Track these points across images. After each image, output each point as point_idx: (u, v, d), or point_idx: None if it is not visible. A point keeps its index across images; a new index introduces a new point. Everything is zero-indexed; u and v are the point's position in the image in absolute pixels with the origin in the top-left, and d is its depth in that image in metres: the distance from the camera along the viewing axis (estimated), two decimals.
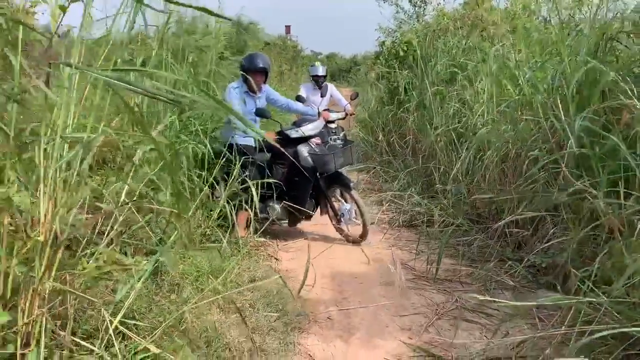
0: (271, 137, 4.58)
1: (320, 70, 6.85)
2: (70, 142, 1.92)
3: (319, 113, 5.06)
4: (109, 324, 2.27)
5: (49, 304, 1.87)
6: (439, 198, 5.38)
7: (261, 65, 4.74)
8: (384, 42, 8.75)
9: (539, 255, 3.57)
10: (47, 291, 1.83)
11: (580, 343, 2.35)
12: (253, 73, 4.67)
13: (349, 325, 3.29)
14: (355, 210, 4.68)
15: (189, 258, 3.59)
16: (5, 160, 1.79)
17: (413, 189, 5.75)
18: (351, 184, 4.70)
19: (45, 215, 1.73)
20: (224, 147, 4.38)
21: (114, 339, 2.25)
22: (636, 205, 2.73)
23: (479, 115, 4.80)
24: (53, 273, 1.85)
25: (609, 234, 2.91)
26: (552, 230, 3.59)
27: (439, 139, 5.82)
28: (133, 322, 2.49)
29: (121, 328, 2.38)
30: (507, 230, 4.19)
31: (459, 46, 6.42)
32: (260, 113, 4.56)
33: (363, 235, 4.73)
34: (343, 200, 4.80)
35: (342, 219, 4.77)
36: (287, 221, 4.88)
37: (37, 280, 1.76)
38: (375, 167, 7.29)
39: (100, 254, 2.00)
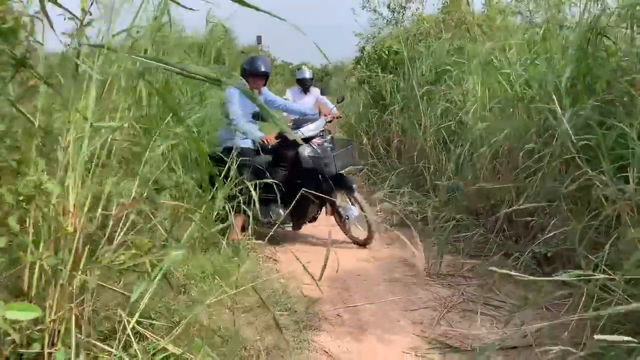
0: (271, 139, 4.45)
1: (307, 74, 6.87)
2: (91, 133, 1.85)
3: (319, 112, 4.83)
4: (126, 324, 2.20)
5: (76, 300, 1.79)
6: (431, 197, 5.41)
7: (263, 69, 4.65)
8: (364, 47, 8.80)
9: (542, 246, 3.59)
10: (75, 286, 1.75)
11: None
12: (254, 76, 4.58)
13: (360, 321, 3.25)
14: (360, 213, 4.55)
15: (191, 260, 3.51)
16: (29, 149, 1.72)
17: (406, 188, 5.75)
18: (354, 186, 4.55)
19: (74, 206, 1.66)
20: (221, 150, 4.31)
21: (132, 339, 2.18)
22: None
23: (472, 112, 4.84)
24: (81, 266, 1.77)
25: (617, 220, 2.95)
26: (553, 221, 3.62)
27: (428, 139, 5.86)
28: (150, 321, 2.41)
29: (138, 328, 2.31)
30: (504, 225, 4.22)
31: (442, 48, 6.49)
32: (257, 116, 4.41)
33: (369, 239, 4.61)
34: (349, 203, 4.62)
35: (347, 221, 4.65)
36: (291, 225, 4.73)
37: (66, 274, 1.68)
38: (363, 169, 7.30)
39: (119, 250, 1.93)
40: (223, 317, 2.97)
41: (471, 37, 6.27)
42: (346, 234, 4.79)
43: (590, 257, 2.84)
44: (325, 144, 4.69)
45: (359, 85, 9.24)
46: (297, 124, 4.60)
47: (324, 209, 4.76)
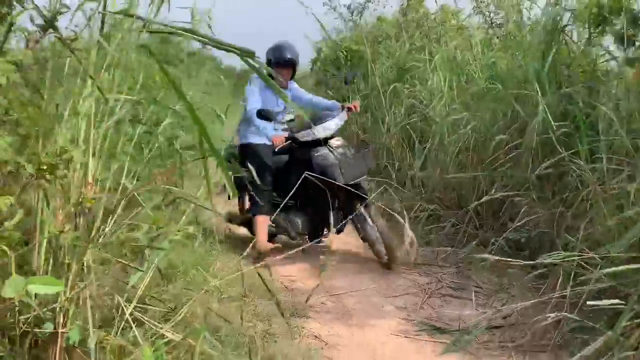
0: (280, 140, 3.91)
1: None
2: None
3: (342, 106, 4.10)
4: (124, 309, 2.14)
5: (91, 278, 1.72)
6: (398, 192, 5.51)
7: (289, 57, 4.04)
8: (320, 48, 8.88)
9: (513, 233, 3.73)
10: (88, 264, 1.69)
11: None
12: (279, 66, 4.02)
13: (345, 308, 3.28)
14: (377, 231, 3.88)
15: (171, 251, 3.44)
16: (34, 123, 1.65)
17: (372, 184, 5.82)
18: (368, 199, 3.91)
19: (93, 178, 1.61)
20: (238, 147, 4.13)
21: (132, 324, 2.13)
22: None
23: (439, 108, 4.98)
24: (92, 243, 1.71)
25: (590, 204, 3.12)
26: (522, 209, 3.77)
27: (393, 137, 5.97)
28: (145, 307, 2.35)
29: (136, 314, 2.25)
30: (474, 216, 4.35)
31: (402, 48, 6.65)
32: (262, 114, 3.77)
33: (390, 261, 3.87)
34: (368, 218, 3.92)
35: (366, 237, 3.99)
36: (307, 236, 4.19)
37: (84, 248, 1.62)
38: None
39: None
40: (214, 306, 2.92)
41: (430, 38, 6.45)
42: (371, 249, 4.03)
43: (570, 237, 2.98)
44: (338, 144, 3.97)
45: (316, 86, 9.30)
46: (314, 121, 3.90)
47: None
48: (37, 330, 1.61)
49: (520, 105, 3.92)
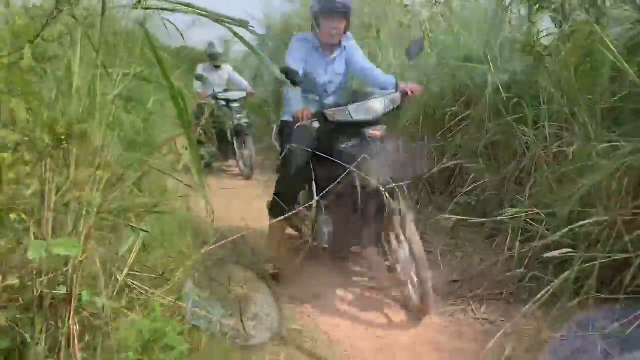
0: (304, 116, 2.87)
1: (219, 48, 6.83)
2: None
3: (396, 85, 3.12)
4: (117, 276, 2.25)
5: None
6: None
7: (339, 3, 3.00)
8: (270, 25, 8.94)
9: (465, 197, 4.03)
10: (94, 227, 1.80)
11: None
12: (327, 18, 3.06)
13: (312, 278, 3.43)
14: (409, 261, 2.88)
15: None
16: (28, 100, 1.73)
17: None
18: (399, 214, 2.87)
19: (100, 146, 1.71)
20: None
21: (126, 290, 2.24)
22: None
23: None
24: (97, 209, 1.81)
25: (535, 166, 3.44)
26: (472, 175, 4.07)
27: None
28: (137, 274, 2.46)
29: (128, 280, 2.35)
30: (427, 184, 4.64)
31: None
32: (285, 71, 2.83)
33: (422, 310, 2.81)
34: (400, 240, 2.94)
35: (393, 269, 3.05)
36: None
37: (96, 213, 1.73)
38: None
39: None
40: (199, 272, 3.06)
41: (375, 15, 6.65)
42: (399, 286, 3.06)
43: (517, 196, 3.30)
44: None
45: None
46: (353, 100, 2.99)
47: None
48: (54, 292, 1.71)
49: (469, 79, 4.20)
